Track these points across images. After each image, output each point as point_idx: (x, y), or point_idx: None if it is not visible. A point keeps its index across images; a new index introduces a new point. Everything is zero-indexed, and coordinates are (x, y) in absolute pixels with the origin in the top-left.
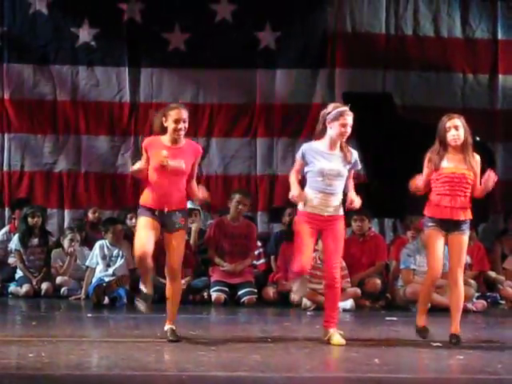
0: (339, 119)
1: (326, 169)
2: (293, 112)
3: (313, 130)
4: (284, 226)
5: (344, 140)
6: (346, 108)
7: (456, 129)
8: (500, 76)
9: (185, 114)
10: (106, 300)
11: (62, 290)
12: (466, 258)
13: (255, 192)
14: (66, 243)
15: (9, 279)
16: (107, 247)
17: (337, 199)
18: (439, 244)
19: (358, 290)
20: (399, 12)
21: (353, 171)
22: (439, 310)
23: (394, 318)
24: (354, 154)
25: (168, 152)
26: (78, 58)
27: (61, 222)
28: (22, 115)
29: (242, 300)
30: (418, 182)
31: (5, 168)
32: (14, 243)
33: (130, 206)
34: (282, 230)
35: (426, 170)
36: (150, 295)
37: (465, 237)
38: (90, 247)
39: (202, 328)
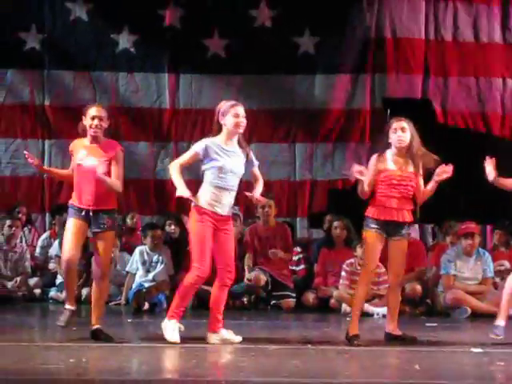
0: (230, 111)
1: (227, 166)
2: (332, 117)
3: (352, 135)
4: (323, 232)
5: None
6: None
7: (402, 131)
8: None
9: (102, 112)
10: (146, 305)
11: None
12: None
13: (294, 197)
14: None
15: (49, 285)
16: (147, 253)
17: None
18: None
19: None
20: (439, 17)
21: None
22: (480, 316)
23: (434, 324)
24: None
25: (86, 151)
26: (117, 65)
27: None
28: (63, 121)
29: (279, 302)
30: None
31: (45, 174)
32: (55, 249)
33: (169, 211)
34: (324, 236)
35: (370, 172)
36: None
37: (404, 241)
38: (129, 253)
39: (242, 333)
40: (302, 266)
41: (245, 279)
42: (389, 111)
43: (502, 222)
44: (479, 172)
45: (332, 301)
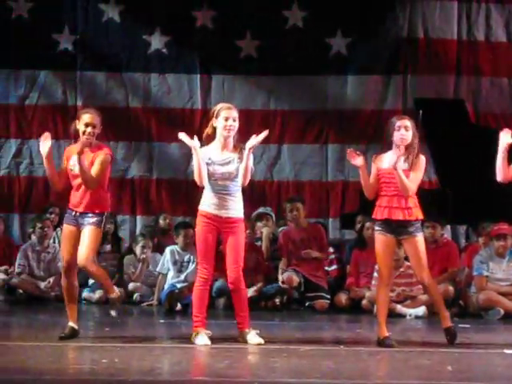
0: (220, 114)
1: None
2: (364, 118)
3: (383, 136)
4: (355, 233)
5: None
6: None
7: (406, 129)
8: None
9: (95, 119)
10: (179, 306)
11: (135, 296)
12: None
13: (326, 198)
14: (138, 250)
15: (82, 285)
16: (178, 252)
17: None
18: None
19: None
20: (471, 17)
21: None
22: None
23: (467, 325)
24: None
25: (77, 157)
26: (149, 66)
27: (133, 228)
28: None
29: (313, 303)
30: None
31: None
32: None
33: None
34: (356, 237)
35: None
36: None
37: (414, 237)
38: (162, 253)
39: (274, 334)
40: (334, 267)
41: (279, 282)
42: (421, 112)
43: None
44: None
45: (364, 302)
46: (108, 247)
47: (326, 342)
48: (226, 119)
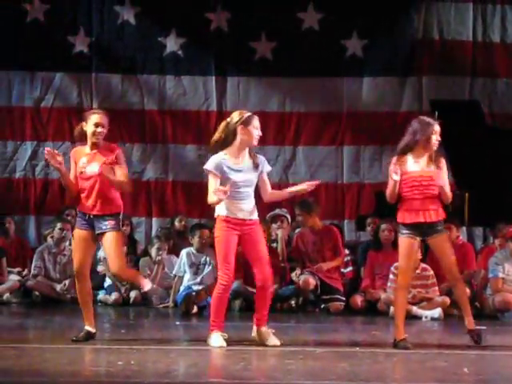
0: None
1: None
2: (380, 120)
3: (400, 138)
4: (370, 234)
5: None
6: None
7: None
8: None
9: (104, 119)
10: (195, 309)
11: (152, 298)
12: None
13: (342, 200)
14: (153, 252)
15: (98, 287)
16: (194, 255)
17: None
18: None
19: (447, 299)
20: (486, 19)
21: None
22: None
23: (483, 327)
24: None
25: (86, 158)
26: (165, 68)
27: (148, 231)
28: (110, 124)
29: (328, 305)
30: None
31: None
32: (103, 251)
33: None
34: (371, 239)
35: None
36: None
37: (442, 236)
38: (178, 255)
39: (290, 336)
40: (349, 268)
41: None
42: (437, 113)
43: None
44: None
45: (380, 303)
46: (123, 249)
47: (342, 343)
48: (257, 128)
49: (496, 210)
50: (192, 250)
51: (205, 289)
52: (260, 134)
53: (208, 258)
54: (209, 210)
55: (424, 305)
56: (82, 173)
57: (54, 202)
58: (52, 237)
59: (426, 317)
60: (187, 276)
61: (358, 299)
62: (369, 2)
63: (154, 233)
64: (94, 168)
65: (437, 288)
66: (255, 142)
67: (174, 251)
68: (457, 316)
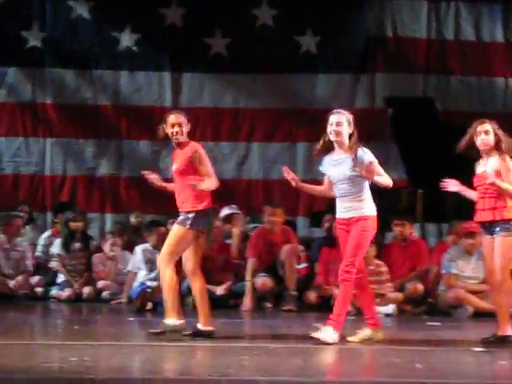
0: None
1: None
2: None
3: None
4: (324, 231)
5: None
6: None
7: (486, 134)
8: None
9: (180, 118)
10: (149, 305)
11: (104, 294)
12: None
13: (296, 197)
14: (106, 247)
15: (51, 283)
16: (149, 251)
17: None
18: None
19: (400, 295)
20: (440, 16)
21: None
22: (481, 315)
23: (436, 323)
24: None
25: (171, 158)
26: (119, 63)
27: (102, 227)
28: (64, 120)
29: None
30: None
31: (47, 172)
32: (56, 247)
33: (171, 210)
34: (325, 235)
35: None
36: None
37: (501, 237)
38: (132, 251)
39: (244, 332)
40: (303, 265)
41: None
42: (390, 110)
43: None
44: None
45: (334, 299)
46: (77, 245)
47: (296, 339)
48: (331, 124)
49: (450, 206)
50: (148, 246)
51: (160, 285)
52: (334, 129)
53: None
54: (163, 205)
55: (377, 301)
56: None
57: (7, 198)
58: (5, 232)
59: (379, 313)
60: (142, 272)
61: (312, 295)
62: None
63: (107, 228)
64: (174, 167)
65: (390, 284)
66: (331, 138)
67: (129, 247)
68: (409, 312)
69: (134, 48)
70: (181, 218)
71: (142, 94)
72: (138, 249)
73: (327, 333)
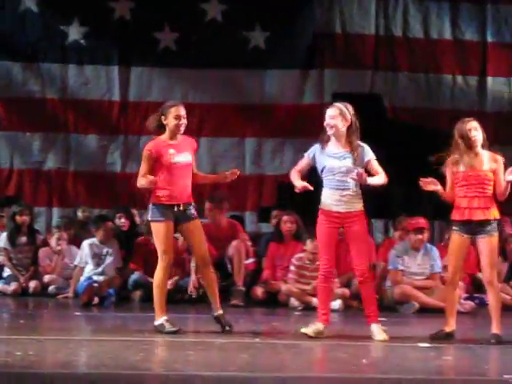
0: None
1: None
2: (282, 112)
3: (302, 131)
4: (272, 226)
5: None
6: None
7: (475, 130)
8: (489, 78)
9: (183, 110)
10: (96, 299)
11: (50, 288)
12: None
13: (244, 192)
14: (53, 242)
15: None
16: (96, 246)
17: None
18: (461, 248)
19: (347, 291)
20: (389, 13)
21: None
22: (427, 311)
23: (383, 319)
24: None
25: (173, 149)
26: (67, 56)
27: (49, 221)
28: (11, 113)
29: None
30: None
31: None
32: (2, 241)
33: (119, 204)
34: (273, 231)
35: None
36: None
37: (490, 237)
38: (79, 246)
39: (191, 327)
40: (251, 260)
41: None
42: None
43: None
44: (429, 167)
45: (280, 295)
46: (23, 239)
47: (242, 334)
48: (326, 118)
49: (396, 202)
50: (95, 240)
51: (107, 281)
52: (327, 122)
53: (110, 250)
54: (111, 200)
55: None
56: (173, 163)
57: None
58: None
59: None
60: (89, 267)
61: (259, 290)
62: None
63: (54, 223)
64: (186, 157)
65: (337, 280)
66: (329, 132)
67: (76, 242)
68: (356, 308)
69: (82, 41)
70: (192, 210)
71: (90, 87)
72: (85, 243)
73: (381, 330)
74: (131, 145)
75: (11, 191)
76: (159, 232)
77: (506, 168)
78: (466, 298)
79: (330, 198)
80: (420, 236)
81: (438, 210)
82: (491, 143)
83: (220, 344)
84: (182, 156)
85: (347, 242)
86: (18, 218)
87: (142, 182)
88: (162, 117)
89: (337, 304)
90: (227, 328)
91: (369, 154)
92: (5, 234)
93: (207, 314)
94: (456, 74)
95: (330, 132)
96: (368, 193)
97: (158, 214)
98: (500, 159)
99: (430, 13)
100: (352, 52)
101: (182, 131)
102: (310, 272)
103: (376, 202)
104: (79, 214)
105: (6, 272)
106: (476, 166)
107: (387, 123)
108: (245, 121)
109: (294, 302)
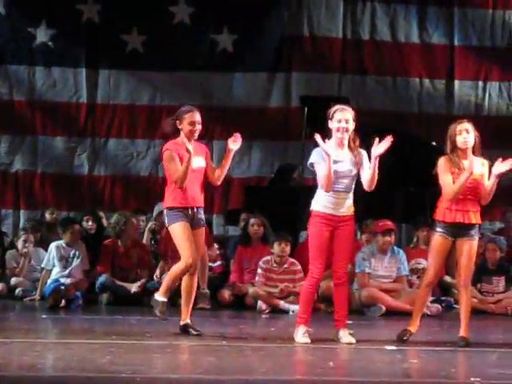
0: (334, 116)
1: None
2: (249, 115)
3: (269, 134)
4: (240, 229)
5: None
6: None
7: (467, 132)
8: (456, 81)
9: (198, 116)
10: (63, 302)
11: (17, 290)
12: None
13: (210, 194)
14: (19, 244)
15: None
16: (63, 248)
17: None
18: (443, 251)
19: None
20: (356, 16)
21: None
22: (394, 314)
23: (349, 322)
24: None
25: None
26: (35, 59)
27: (16, 223)
28: None
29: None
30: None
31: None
32: None
33: (86, 207)
34: (240, 234)
35: (449, 177)
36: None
37: (472, 241)
38: (46, 248)
39: (157, 330)
40: (218, 263)
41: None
42: (306, 109)
43: (425, 220)
44: (397, 171)
45: (248, 298)
46: None
47: (209, 337)
48: (339, 121)
49: (363, 205)
50: (62, 243)
51: (74, 284)
52: (344, 126)
53: (77, 252)
54: (78, 202)
55: (291, 299)
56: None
57: None
58: None
59: (292, 311)
60: (56, 269)
61: (226, 293)
62: None
63: (21, 225)
64: (199, 162)
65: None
66: (338, 135)
67: (43, 244)
68: (323, 311)
69: (50, 43)
70: (202, 216)
71: (57, 89)
72: (52, 245)
73: (348, 334)
74: (98, 147)
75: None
76: (180, 234)
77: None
78: (433, 301)
79: (327, 201)
80: (388, 238)
81: (406, 213)
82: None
83: (187, 347)
84: (196, 161)
85: (334, 244)
86: None
87: (179, 172)
88: (177, 121)
89: None
90: (196, 333)
91: (367, 161)
92: None
93: (174, 317)
94: (423, 78)
95: (342, 135)
96: None
97: (175, 217)
98: (487, 164)
99: (398, 16)
100: (319, 55)
101: (195, 137)
102: (277, 275)
103: None
104: (47, 215)
105: None
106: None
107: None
108: (212, 124)
109: (261, 304)
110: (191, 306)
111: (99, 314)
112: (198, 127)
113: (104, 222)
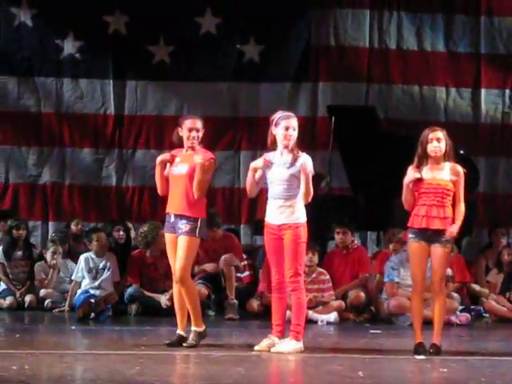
0: (280, 123)
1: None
2: None
3: (295, 143)
4: None
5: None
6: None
7: (438, 141)
8: (482, 90)
9: (198, 123)
10: (92, 314)
11: (46, 302)
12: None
13: (238, 205)
14: (48, 256)
15: None
16: (92, 259)
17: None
18: (421, 256)
19: (342, 303)
20: (383, 26)
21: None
22: (423, 323)
23: (378, 331)
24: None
25: (179, 158)
26: (62, 70)
27: (45, 235)
28: (7, 127)
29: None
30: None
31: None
32: None
33: (114, 218)
34: None
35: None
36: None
37: (444, 248)
38: (74, 259)
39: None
40: (246, 273)
41: None
42: (333, 119)
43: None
44: None
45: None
46: (19, 254)
47: (238, 347)
48: (286, 129)
49: (390, 215)
50: (91, 254)
51: (104, 298)
52: (291, 134)
53: (108, 263)
54: (105, 213)
55: (320, 309)
56: (170, 173)
57: None
58: None
59: (321, 321)
60: (85, 281)
61: (255, 303)
62: (266, 8)
63: (50, 237)
64: (181, 169)
65: (332, 292)
66: (284, 142)
67: (70, 255)
68: (352, 320)
69: (77, 55)
70: (186, 226)
71: (84, 101)
72: (82, 257)
73: (290, 345)
74: (126, 158)
75: (7, 205)
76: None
77: (466, 180)
78: (463, 310)
79: (268, 209)
80: None
81: None
82: (484, 155)
83: (216, 357)
84: (179, 168)
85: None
86: (14, 232)
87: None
88: (179, 129)
89: (332, 316)
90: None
91: (307, 164)
92: (0, 249)
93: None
94: (450, 87)
95: (288, 142)
96: (360, 205)
97: (165, 225)
98: (461, 172)
99: (424, 25)
100: (346, 65)
101: (194, 143)
102: (306, 285)
103: (368, 215)
104: (73, 227)
105: (2, 286)
106: (436, 175)
107: (381, 135)
108: (239, 134)
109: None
110: (185, 317)
111: (128, 324)
112: (194, 134)
113: (132, 232)
